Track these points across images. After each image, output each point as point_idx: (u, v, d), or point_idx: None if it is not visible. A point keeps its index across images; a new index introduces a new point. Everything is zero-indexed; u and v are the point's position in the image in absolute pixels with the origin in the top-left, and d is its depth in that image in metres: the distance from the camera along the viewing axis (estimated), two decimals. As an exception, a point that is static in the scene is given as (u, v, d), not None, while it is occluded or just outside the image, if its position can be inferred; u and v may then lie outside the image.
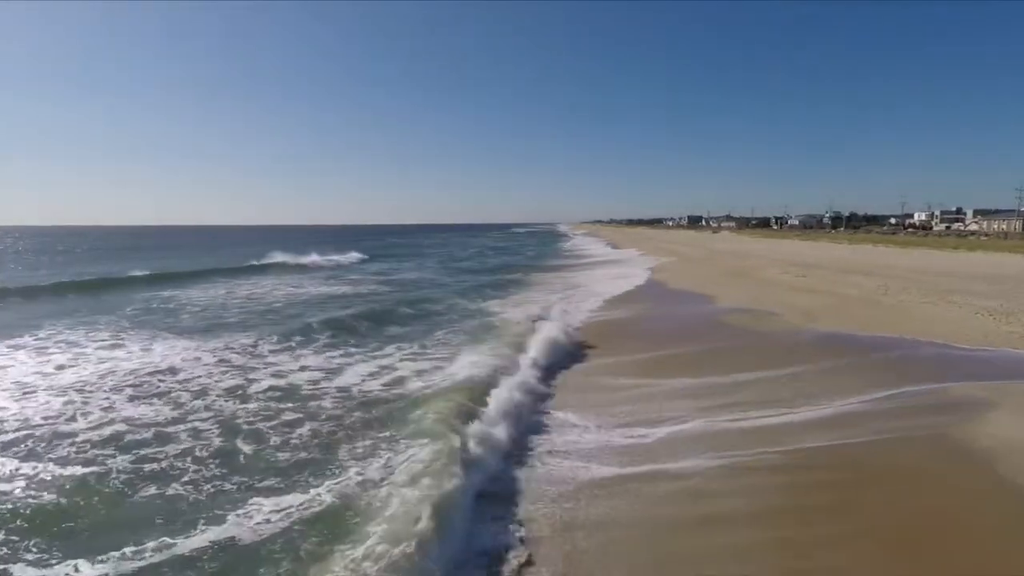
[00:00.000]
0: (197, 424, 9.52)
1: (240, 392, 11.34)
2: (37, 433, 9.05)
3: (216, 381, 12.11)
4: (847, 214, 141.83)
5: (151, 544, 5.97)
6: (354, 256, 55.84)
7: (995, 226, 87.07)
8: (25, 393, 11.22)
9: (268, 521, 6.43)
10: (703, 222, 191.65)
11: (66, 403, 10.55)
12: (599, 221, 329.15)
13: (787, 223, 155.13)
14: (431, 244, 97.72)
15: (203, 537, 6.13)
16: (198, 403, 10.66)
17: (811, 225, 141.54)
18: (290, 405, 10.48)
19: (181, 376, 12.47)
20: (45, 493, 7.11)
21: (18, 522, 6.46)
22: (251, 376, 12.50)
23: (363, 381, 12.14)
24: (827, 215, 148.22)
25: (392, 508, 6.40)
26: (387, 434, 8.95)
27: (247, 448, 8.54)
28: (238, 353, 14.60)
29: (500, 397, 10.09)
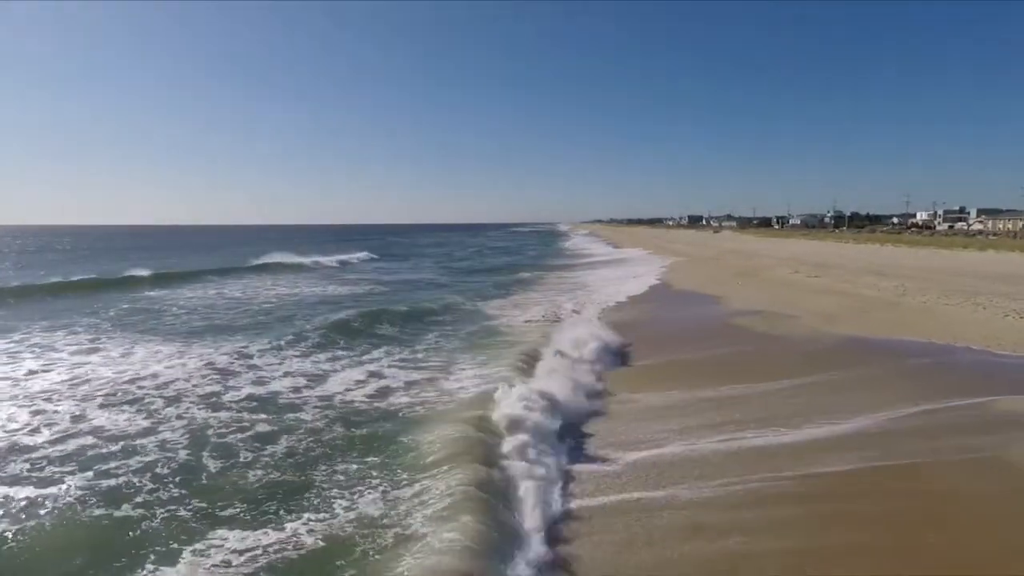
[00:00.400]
0: (166, 435, 8.79)
1: (215, 400, 10.56)
2: (-9, 448, 8.21)
3: (194, 387, 11.41)
4: (849, 214, 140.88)
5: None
6: (352, 256, 54.97)
7: (1001, 225, 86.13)
8: (-14, 403, 10.39)
9: (228, 564, 5.45)
10: (703, 222, 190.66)
11: (31, 413, 9.88)
12: (599, 221, 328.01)
13: (788, 223, 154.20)
14: (429, 244, 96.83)
15: (148, 582, 5.22)
16: (171, 411, 9.96)
17: (813, 225, 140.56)
18: (264, 416, 9.60)
19: (159, 381, 11.74)
20: (-21, 521, 6.24)
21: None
22: (230, 383, 11.75)
23: (347, 391, 11.21)
24: (829, 214, 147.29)
25: (404, 566, 5.17)
26: (379, 459, 7.88)
27: (214, 465, 7.68)
28: (225, 355, 13.88)
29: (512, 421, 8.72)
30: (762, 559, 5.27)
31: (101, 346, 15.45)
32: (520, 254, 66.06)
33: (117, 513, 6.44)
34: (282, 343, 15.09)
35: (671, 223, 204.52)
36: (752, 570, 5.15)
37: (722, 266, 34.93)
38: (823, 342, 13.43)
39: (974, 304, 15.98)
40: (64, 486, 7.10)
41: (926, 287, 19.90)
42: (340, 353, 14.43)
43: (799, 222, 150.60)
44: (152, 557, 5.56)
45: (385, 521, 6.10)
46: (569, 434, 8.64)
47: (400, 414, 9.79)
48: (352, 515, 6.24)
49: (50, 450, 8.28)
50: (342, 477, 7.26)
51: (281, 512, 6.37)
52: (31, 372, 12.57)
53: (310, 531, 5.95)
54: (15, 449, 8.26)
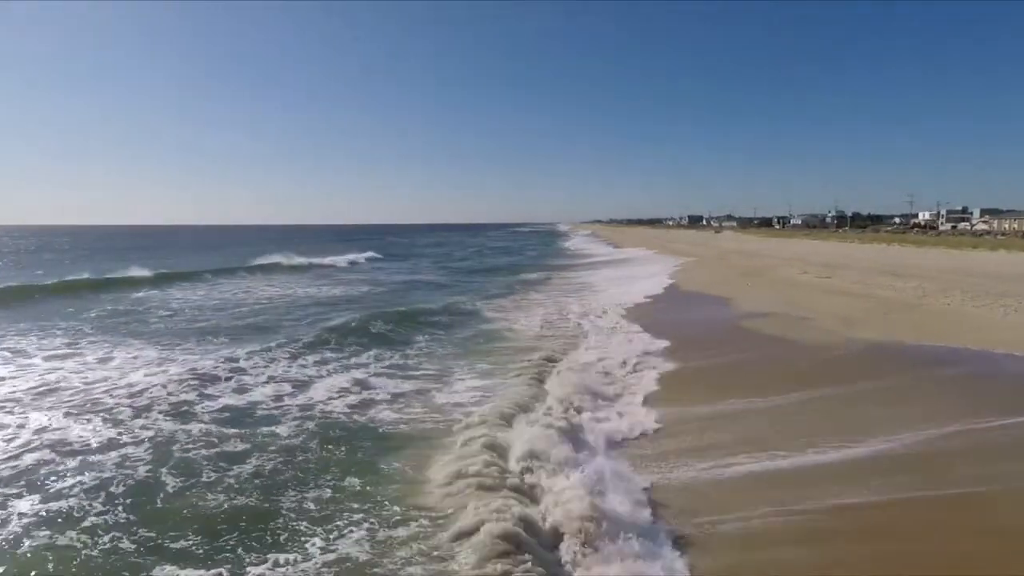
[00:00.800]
0: (129, 450, 8.13)
1: (187, 410, 9.82)
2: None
3: (169, 395, 10.69)
4: (850, 214, 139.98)
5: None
6: (351, 257, 54.03)
7: (1007, 225, 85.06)
8: (-57, 413, 9.66)
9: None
10: (704, 222, 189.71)
11: (-9, 424, 9.15)
12: (598, 221, 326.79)
13: (789, 223, 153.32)
14: (428, 244, 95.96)
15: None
16: (138, 422, 9.24)
17: (814, 225, 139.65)
18: (236, 430, 8.77)
19: (133, 389, 11.03)
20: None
21: None
22: (208, 391, 11.05)
23: (329, 399, 10.41)
24: (830, 214, 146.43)
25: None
26: (363, 486, 6.81)
27: (173, 484, 6.94)
28: (207, 360, 13.23)
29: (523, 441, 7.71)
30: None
31: (79, 350, 14.71)
32: (521, 254, 65.27)
33: (60, 540, 5.77)
34: (270, 346, 14.37)
35: (671, 223, 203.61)
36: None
37: (727, 266, 34.05)
38: (842, 348, 12.43)
39: (1003, 307, 15.02)
40: (8, 511, 6.43)
41: (946, 288, 18.95)
42: (328, 355, 13.71)
43: (800, 222, 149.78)
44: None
45: (374, 568, 5.12)
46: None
47: (381, 429, 8.92)
48: (330, 557, 5.28)
49: (2, 467, 7.61)
50: (316, 507, 6.30)
51: (240, 550, 5.47)
52: (-2, 379, 11.75)
53: (275, 577, 5.02)
54: (-33, 465, 7.49)
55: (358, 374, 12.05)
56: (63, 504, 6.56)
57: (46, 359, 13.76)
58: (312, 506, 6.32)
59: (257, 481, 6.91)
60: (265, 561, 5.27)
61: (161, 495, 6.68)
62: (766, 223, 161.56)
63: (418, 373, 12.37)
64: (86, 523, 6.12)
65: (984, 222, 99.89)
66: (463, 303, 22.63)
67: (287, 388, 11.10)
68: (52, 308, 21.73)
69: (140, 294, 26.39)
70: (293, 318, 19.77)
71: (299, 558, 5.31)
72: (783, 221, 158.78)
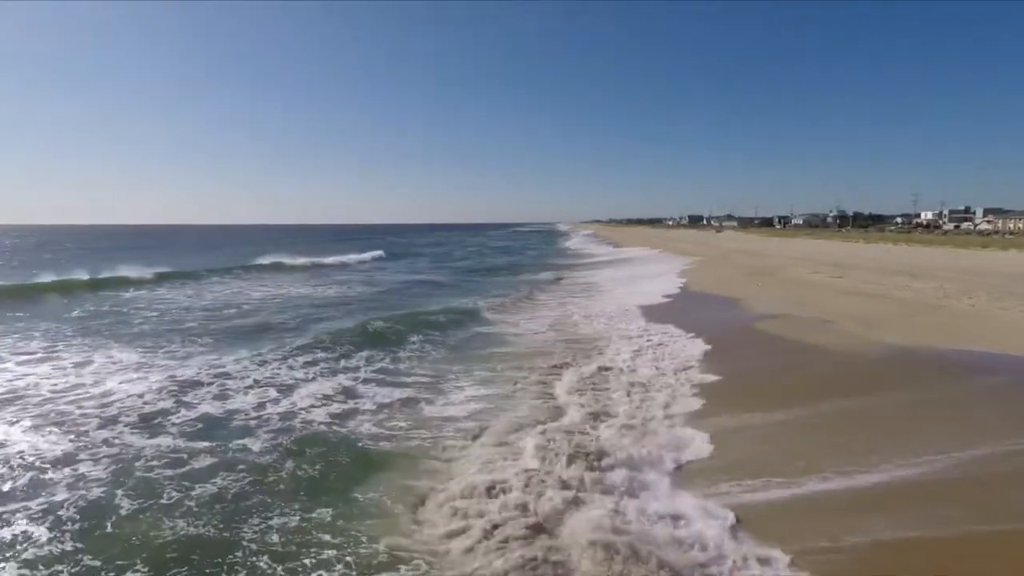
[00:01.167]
0: (86, 468, 7.37)
1: (158, 421, 9.07)
2: None
3: (144, 403, 9.93)
4: (851, 213, 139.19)
5: None
6: (349, 257, 53.20)
7: (1012, 225, 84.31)
8: None
9: None
10: (704, 222, 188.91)
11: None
12: (598, 221, 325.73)
13: (791, 222, 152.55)
14: (428, 243, 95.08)
15: None
16: (102, 435, 8.51)
17: (816, 224, 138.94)
18: (206, 444, 7.99)
19: (105, 399, 10.23)
20: None
21: None
22: (185, 398, 10.32)
23: (311, 407, 9.63)
24: (831, 214, 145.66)
25: None
26: (334, 518, 5.95)
27: (127, 507, 6.21)
28: (188, 366, 12.56)
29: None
30: None
31: (56, 354, 13.92)
32: (522, 254, 64.48)
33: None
34: (262, 351, 13.62)
35: (671, 223, 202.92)
36: None
37: (733, 266, 33.18)
38: (871, 353, 11.51)
39: (1032, 308, 14.18)
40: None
41: (968, 288, 18.09)
42: (319, 356, 13.01)
43: (801, 222, 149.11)
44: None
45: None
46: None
47: (361, 443, 8.10)
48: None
49: (-53, 490, 6.88)
50: (278, 538, 5.50)
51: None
52: (-39, 386, 11.00)
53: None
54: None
55: (347, 382, 11.21)
56: (4, 534, 5.82)
57: (19, 364, 12.98)
58: (276, 538, 5.50)
59: (218, 506, 6.12)
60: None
61: (112, 519, 5.96)
62: (767, 223, 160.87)
63: (410, 380, 11.52)
64: (26, 554, 5.43)
65: (988, 222, 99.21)
66: (467, 303, 21.82)
67: (272, 394, 10.36)
68: (33, 309, 20.93)
69: (128, 294, 25.56)
70: (286, 321, 18.97)
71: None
72: (784, 221, 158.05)
